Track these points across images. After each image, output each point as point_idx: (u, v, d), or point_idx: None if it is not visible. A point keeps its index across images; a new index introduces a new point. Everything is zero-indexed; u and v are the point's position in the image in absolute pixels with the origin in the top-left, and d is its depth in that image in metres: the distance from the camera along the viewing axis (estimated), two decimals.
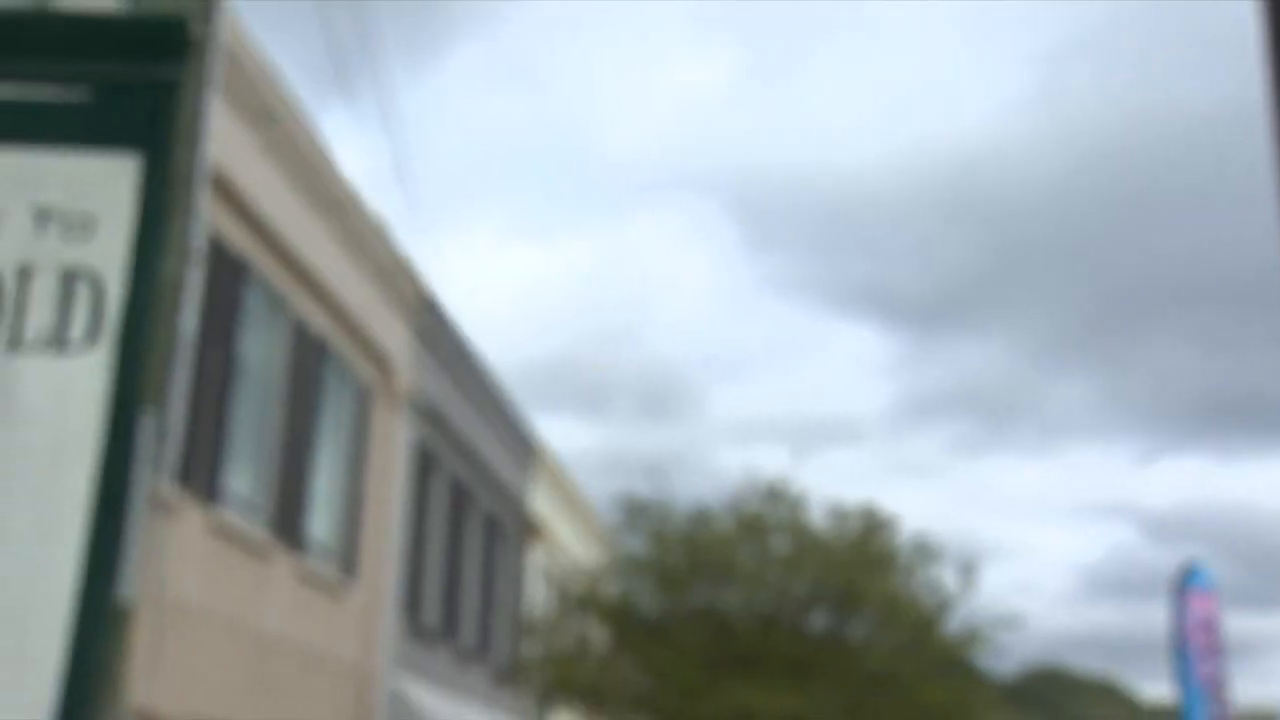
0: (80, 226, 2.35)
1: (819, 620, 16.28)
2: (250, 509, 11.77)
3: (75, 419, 2.22)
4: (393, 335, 15.47)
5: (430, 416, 16.84)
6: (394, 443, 15.49)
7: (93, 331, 2.29)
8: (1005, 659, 17.17)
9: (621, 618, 16.90)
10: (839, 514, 16.40)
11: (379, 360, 15.12)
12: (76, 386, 2.24)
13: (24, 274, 2.30)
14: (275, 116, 11.72)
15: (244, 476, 11.73)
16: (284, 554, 12.37)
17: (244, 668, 11.50)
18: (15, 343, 2.26)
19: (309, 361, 13.09)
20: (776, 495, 16.19)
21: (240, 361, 11.58)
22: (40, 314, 2.29)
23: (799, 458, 19.17)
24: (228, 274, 11.22)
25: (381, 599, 14.96)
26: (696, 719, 15.03)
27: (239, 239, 11.43)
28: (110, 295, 2.31)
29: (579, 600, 17.70)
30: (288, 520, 12.43)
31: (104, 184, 2.40)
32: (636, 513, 16.66)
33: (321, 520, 13.52)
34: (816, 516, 16.38)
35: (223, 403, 11.12)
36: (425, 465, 16.96)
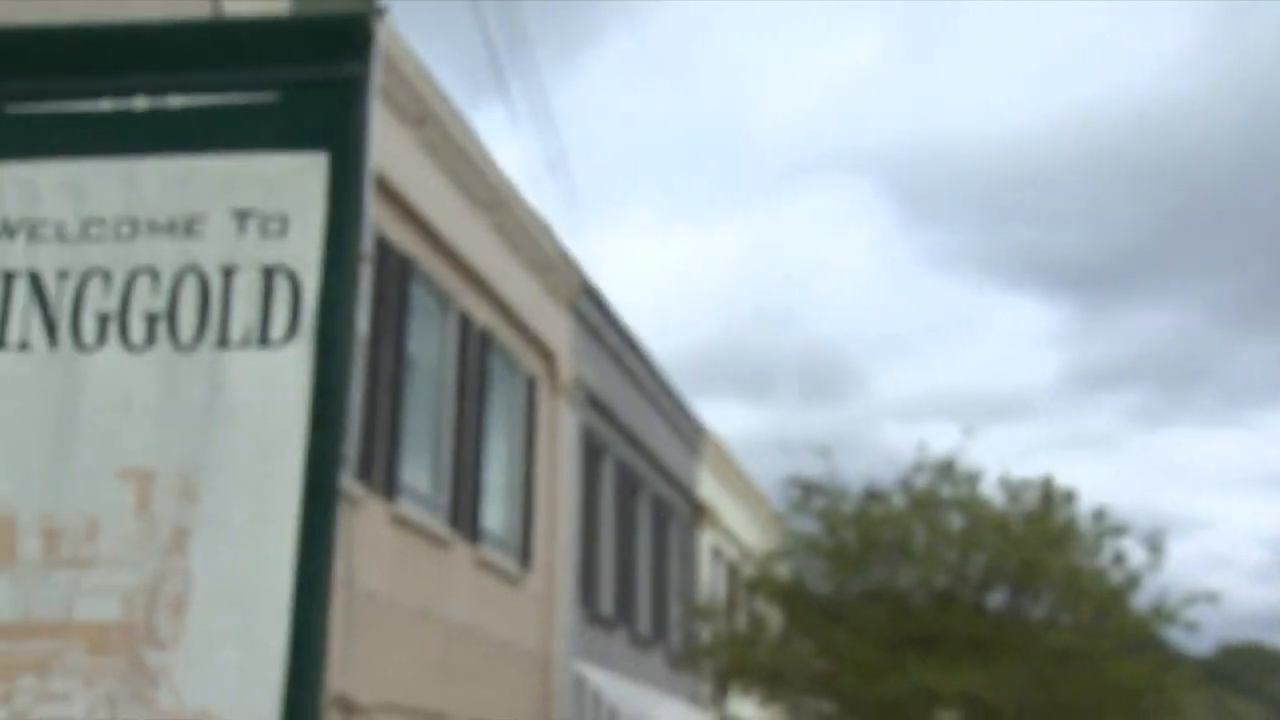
0: (276, 225, 2.41)
1: (998, 597, 15.87)
2: (428, 502, 12.06)
3: (280, 412, 2.27)
4: (556, 326, 15.66)
5: (595, 404, 17.00)
6: (561, 432, 15.69)
7: (292, 326, 2.34)
8: (1200, 636, 16.45)
9: (794, 599, 16.79)
10: (1014, 489, 15.95)
11: (543, 351, 15.32)
12: (280, 379, 2.29)
13: (228, 273, 2.37)
14: (433, 117, 11.95)
15: (420, 470, 12.02)
16: (463, 545, 12.64)
17: (431, 657, 11.80)
18: (224, 340, 2.33)
19: (476, 355, 13.34)
20: (949, 471, 15.83)
21: (411, 358, 11.86)
22: (244, 311, 2.35)
23: (969, 434, 18.87)
24: (395, 273, 11.51)
25: (557, 587, 15.18)
26: (877, 700, 14.83)
27: (404, 238, 11.71)
28: (306, 291, 2.36)
29: (750, 582, 17.64)
30: (464, 512, 12.71)
31: (294, 183, 2.45)
32: (807, 493, 16.50)
33: (495, 511, 13.78)
34: (990, 492, 15.97)
35: (397, 398, 11.41)
36: (593, 453, 17.13)
